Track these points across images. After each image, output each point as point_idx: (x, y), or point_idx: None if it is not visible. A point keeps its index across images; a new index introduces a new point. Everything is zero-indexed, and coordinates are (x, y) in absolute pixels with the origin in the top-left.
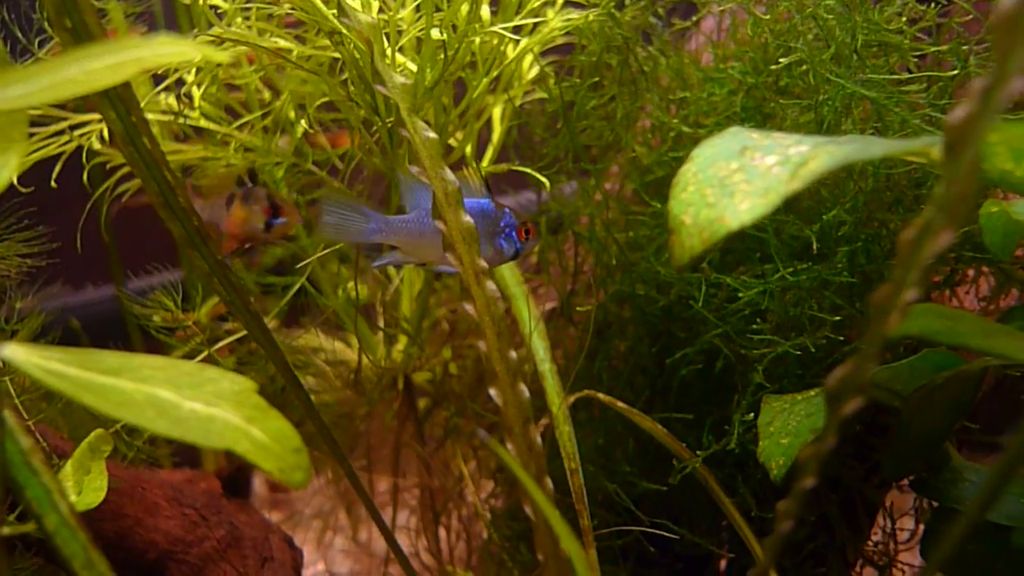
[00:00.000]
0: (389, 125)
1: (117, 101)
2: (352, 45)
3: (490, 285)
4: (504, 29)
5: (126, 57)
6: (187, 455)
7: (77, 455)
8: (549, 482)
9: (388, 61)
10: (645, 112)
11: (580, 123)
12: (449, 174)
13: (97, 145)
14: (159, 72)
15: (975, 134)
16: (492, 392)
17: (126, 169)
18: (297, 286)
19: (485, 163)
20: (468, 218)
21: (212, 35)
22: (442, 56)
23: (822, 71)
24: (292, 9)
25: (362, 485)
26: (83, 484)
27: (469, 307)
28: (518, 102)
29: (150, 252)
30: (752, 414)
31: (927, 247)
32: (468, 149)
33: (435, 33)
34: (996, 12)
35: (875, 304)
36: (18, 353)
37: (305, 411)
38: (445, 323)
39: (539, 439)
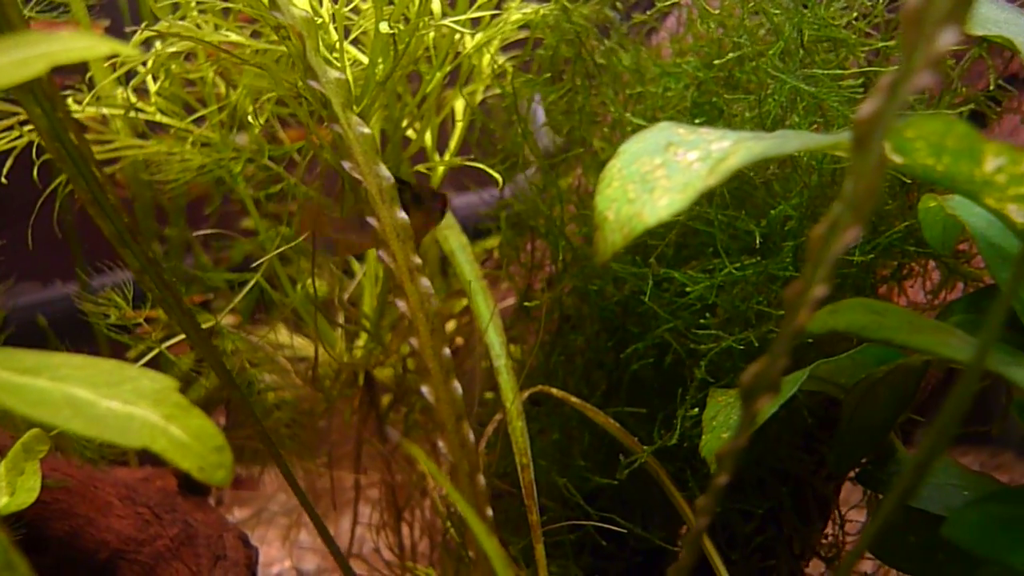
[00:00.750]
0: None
1: (42, 97)
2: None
3: (424, 282)
4: (456, 23)
5: (34, 52)
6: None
7: (11, 456)
8: (481, 479)
9: (337, 54)
10: (603, 107)
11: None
12: (383, 170)
13: None
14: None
15: (881, 129)
16: (424, 389)
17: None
18: (252, 282)
19: (447, 157)
20: (402, 214)
21: (158, 30)
22: (394, 50)
23: (765, 67)
24: (238, 3)
25: (297, 482)
26: (16, 485)
27: (402, 304)
28: (479, 97)
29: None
30: (697, 409)
31: (835, 243)
32: (428, 141)
33: (384, 27)
34: (903, 9)
35: (787, 301)
36: None
37: (242, 409)
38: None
39: (471, 436)
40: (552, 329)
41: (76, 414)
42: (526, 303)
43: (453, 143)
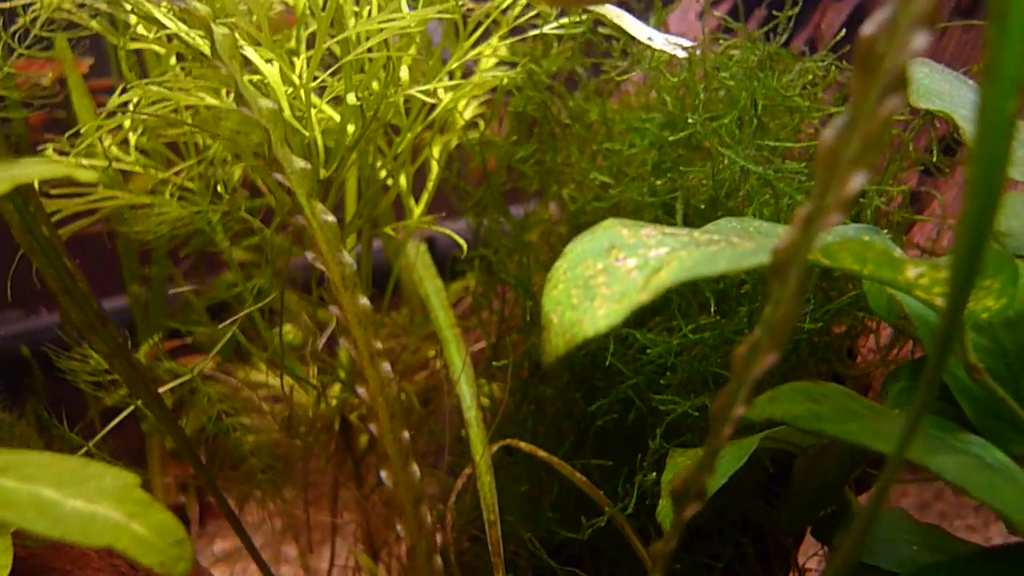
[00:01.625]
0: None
1: (15, 194)
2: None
3: (385, 367)
4: (422, 92)
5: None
6: None
7: None
8: (438, 560)
9: (304, 115)
10: (569, 165)
11: (512, 165)
12: (347, 257)
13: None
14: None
15: (799, 259)
16: (383, 474)
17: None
18: (228, 335)
19: (421, 206)
20: (364, 300)
21: (138, 87)
22: (363, 118)
23: (713, 142)
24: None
25: (241, 524)
26: None
27: (362, 390)
28: (455, 142)
29: (102, 276)
30: (655, 473)
31: (756, 365)
32: (404, 185)
33: (351, 98)
34: (820, 144)
35: (712, 415)
36: None
37: (183, 452)
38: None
39: (428, 518)
40: (523, 375)
41: (41, 515)
42: (494, 362)
43: (430, 184)
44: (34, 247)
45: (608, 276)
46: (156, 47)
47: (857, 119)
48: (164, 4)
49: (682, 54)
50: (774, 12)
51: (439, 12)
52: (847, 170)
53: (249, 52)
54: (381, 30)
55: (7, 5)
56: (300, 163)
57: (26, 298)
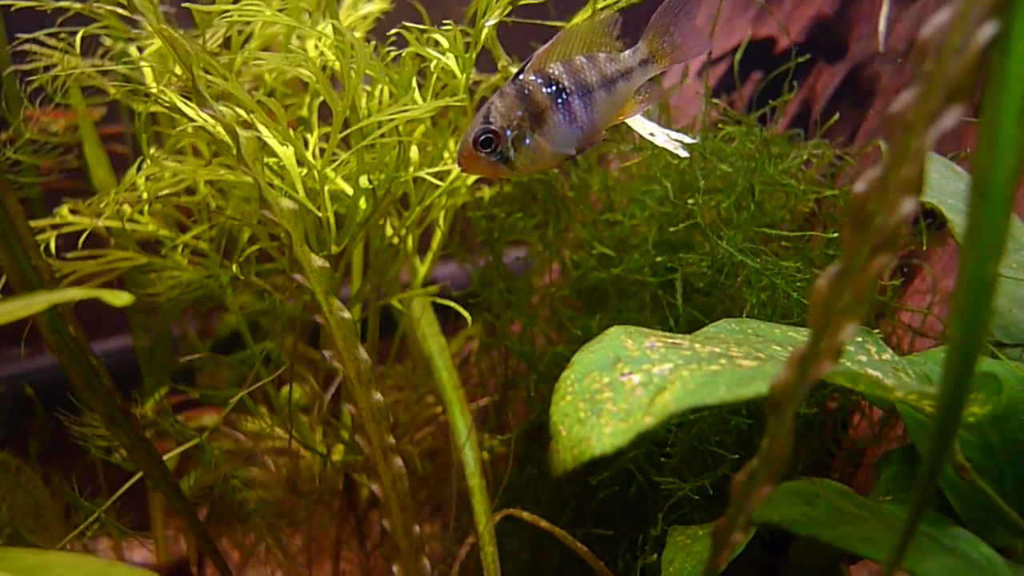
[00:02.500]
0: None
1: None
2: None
3: (397, 462)
4: (431, 174)
5: (39, 299)
6: None
7: None
8: None
9: (319, 183)
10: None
11: (513, 235)
12: (362, 353)
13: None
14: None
15: (794, 399)
16: (395, 568)
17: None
18: (237, 397)
19: (429, 258)
20: (378, 396)
21: (155, 164)
22: (373, 197)
23: (711, 229)
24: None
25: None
26: None
27: (376, 486)
28: (460, 203)
29: (105, 317)
30: (656, 555)
31: (754, 495)
32: (410, 245)
33: (364, 180)
34: (814, 293)
35: (713, 537)
36: None
37: (185, 518)
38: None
39: None
40: (525, 441)
41: None
42: (497, 437)
43: (435, 245)
44: (60, 346)
45: (614, 392)
46: (174, 114)
47: (849, 272)
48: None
49: (684, 153)
50: (769, 78)
51: (448, 101)
52: (839, 320)
53: (265, 133)
54: (393, 118)
55: (30, 66)
56: (319, 261)
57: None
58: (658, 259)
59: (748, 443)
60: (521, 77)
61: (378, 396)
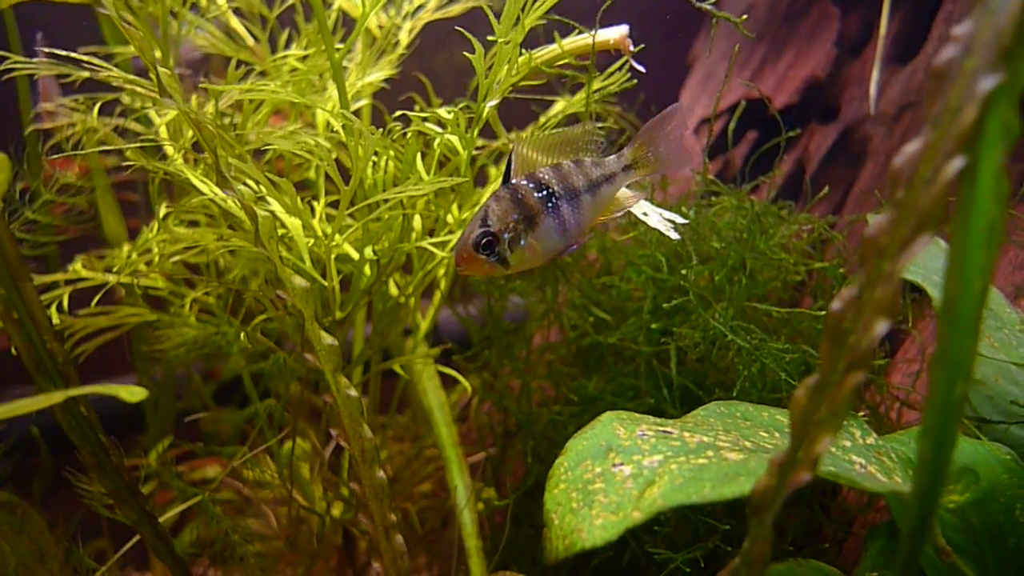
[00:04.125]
0: (327, 322)
1: (58, 380)
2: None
3: (398, 539)
4: (433, 244)
5: (56, 396)
6: None
7: None
8: None
9: (325, 252)
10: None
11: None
12: (367, 431)
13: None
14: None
15: (773, 505)
16: None
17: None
18: (247, 456)
19: (431, 314)
20: (381, 473)
21: (167, 232)
22: (377, 266)
23: (702, 311)
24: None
25: None
26: None
27: (377, 565)
28: None
29: (111, 360)
30: None
31: None
32: (412, 303)
33: (368, 252)
34: (792, 404)
35: None
36: None
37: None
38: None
39: None
40: (521, 498)
41: None
42: (495, 501)
43: (432, 311)
44: (73, 425)
45: (605, 483)
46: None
47: (825, 386)
48: (200, 163)
49: (675, 236)
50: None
51: (452, 181)
52: (816, 431)
53: (275, 205)
54: (400, 194)
55: (50, 125)
56: (328, 339)
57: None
58: (653, 326)
59: (739, 513)
60: (513, 181)
61: (381, 474)
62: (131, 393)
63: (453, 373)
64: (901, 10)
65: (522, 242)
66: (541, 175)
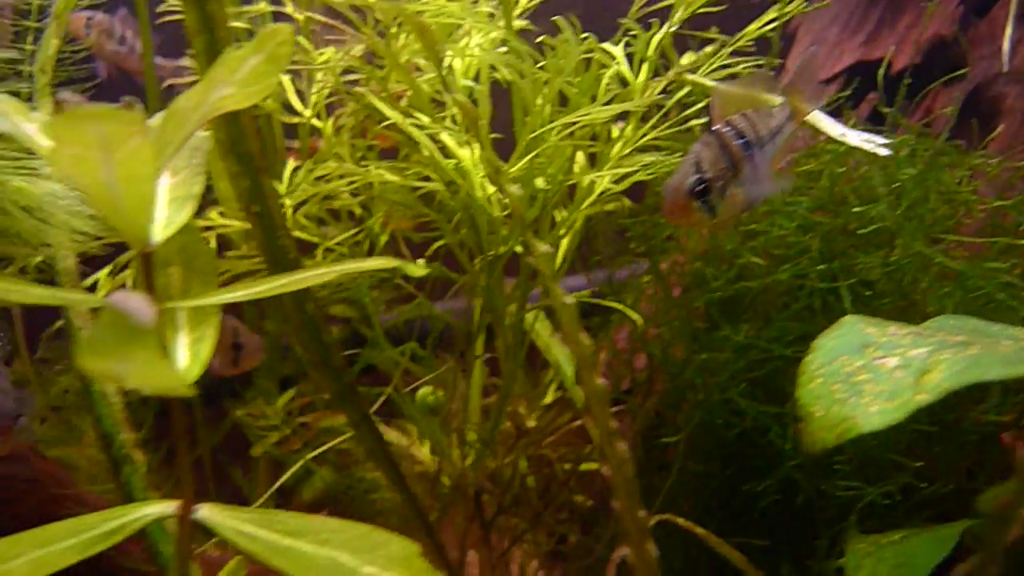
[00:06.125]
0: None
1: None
2: (464, 191)
3: (621, 446)
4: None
5: (334, 268)
6: None
7: None
8: None
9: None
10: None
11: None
12: (586, 337)
13: None
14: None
15: None
16: (626, 551)
17: None
18: (385, 395)
19: (558, 263)
20: (602, 380)
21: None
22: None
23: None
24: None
25: None
26: None
27: (605, 469)
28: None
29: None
30: (835, 558)
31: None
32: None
33: (539, 182)
34: None
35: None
36: (214, 514)
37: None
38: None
39: None
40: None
41: None
42: (662, 439)
43: (561, 253)
44: (304, 323)
45: (872, 374)
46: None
47: None
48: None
49: (884, 152)
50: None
51: (628, 105)
52: None
53: (446, 138)
54: (575, 122)
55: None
56: (544, 247)
57: None
58: (819, 267)
59: (927, 453)
60: (715, 128)
61: (602, 380)
62: (415, 268)
63: (621, 307)
64: None
65: (728, 191)
66: (738, 122)
